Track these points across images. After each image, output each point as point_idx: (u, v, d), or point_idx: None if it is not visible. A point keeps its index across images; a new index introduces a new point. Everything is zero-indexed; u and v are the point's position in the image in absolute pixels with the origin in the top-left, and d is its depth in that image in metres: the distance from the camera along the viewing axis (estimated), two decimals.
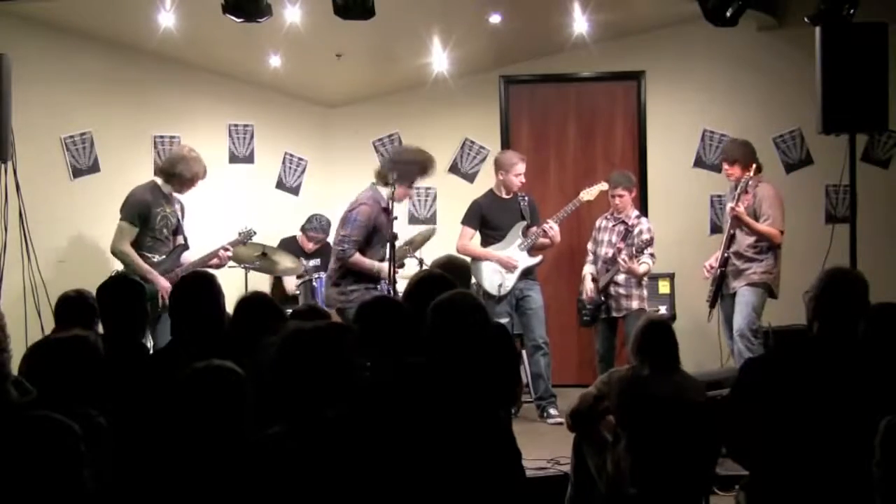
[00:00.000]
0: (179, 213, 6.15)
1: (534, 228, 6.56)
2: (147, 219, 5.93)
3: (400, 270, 6.04)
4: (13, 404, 2.74)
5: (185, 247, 6.15)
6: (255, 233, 6.36)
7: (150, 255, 5.94)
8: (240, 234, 6.32)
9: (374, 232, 6.01)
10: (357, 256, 5.95)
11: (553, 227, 6.47)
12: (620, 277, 6.47)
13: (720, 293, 6.30)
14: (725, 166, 6.33)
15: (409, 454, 2.83)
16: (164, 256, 5.99)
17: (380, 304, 3.69)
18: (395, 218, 5.94)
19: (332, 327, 2.80)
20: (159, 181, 6.11)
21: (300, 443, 2.59)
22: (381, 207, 6.03)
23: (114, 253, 5.94)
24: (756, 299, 6.13)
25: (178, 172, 6.03)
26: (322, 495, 2.55)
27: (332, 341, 2.68)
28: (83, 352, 3.24)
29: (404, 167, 6.02)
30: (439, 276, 3.97)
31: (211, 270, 4.90)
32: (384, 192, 6.04)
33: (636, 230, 6.56)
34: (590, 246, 6.79)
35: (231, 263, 6.44)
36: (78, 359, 3.21)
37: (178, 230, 6.13)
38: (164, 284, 5.80)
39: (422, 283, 3.92)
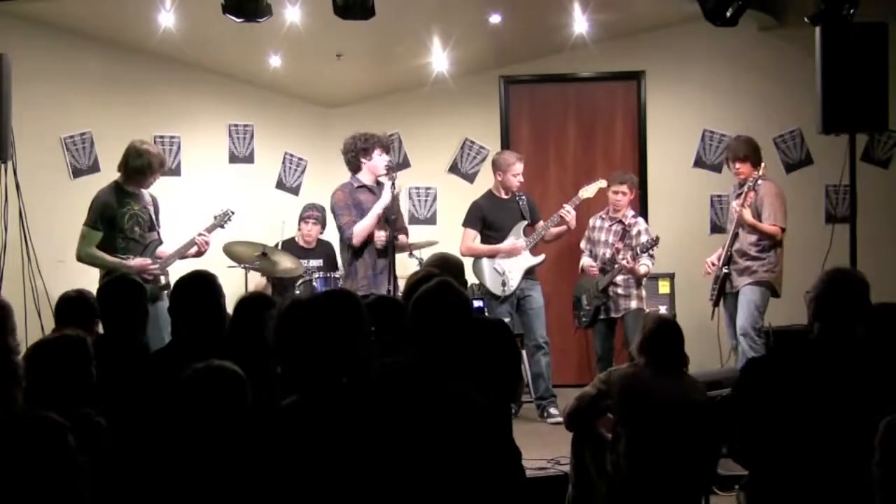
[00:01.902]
0: (151, 209, 5.92)
1: (539, 224, 6.56)
2: (113, 221, 5.73)
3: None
4: (15, 404, 2.75)
5: (159, 242, 5.94)
6: (232, 213, 6.17)
7: (123, 256, 5.74)
8: (215, 217, 6.13)
9: (358, 209, 6.12)
10: (357, 228, 6.06)
11: (571, 211, 6.45)
12: (619, 278, 6.47)
13: (724, 292, 6.30)
14: (737, 165, 6.27)
15: (406, 453, 2.82)
16: (137, 256, 5.81)
17: (381, 304, 3.70)
18: (395, 218, 5.96)
19: (330, 296, 2.79)
20: (121, 181, 5.86)
21: (313, 412, 2.58)
22: (356, 187, 6.20)
23: (79, 259, 5.73)
24: (759, 298, 6.12)
25: (133, 166, 5.79)
26: (333, 470, 2.54)
27: (331, 311, 2.67)
28: (72, 352, 3.24)
29: (360, 143, 6.21)
30: (437, 276, 3.97)
31: (211, 270, 4.87)
32: (363, 175, 6.21)
33: (634, 230, 6.57)
34: (583, 244, 6.81)
35: (230, 263, 6.42)
36: (66, 358, 3.22)
37: (152, 226, 5.92)
38: (138, 264, 5.66)
39: (420, 282, 3.92)
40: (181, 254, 5.91)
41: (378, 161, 6.18)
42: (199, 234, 5.96)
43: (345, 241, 6.18)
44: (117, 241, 5.76)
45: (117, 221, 5.75)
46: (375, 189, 6.21)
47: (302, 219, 7.28)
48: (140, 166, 5.78)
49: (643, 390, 4.04)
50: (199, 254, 5.94)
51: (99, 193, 5.83)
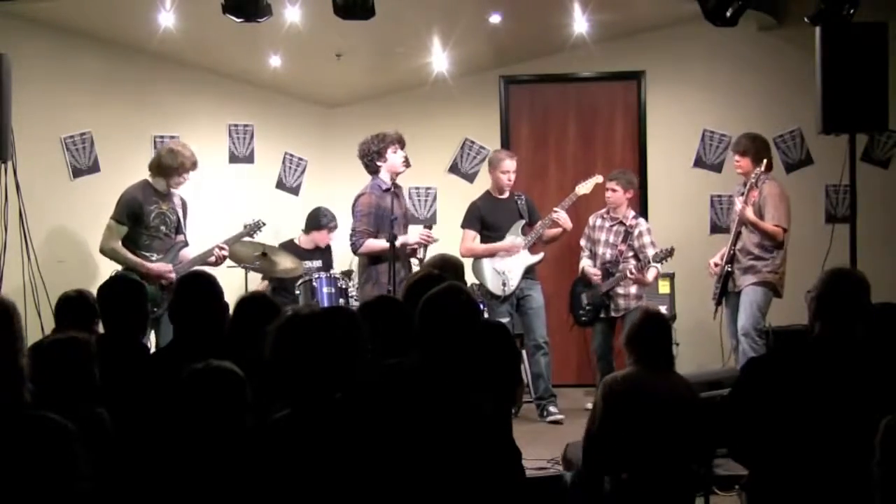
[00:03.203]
0: (180, 211, 6.05)
1: (538, 223, 6.56)
2: (140, 217, 5.84)
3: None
4: (21, 405, 2.74)
5: (185, 244, 6.07)
6: (263, 224, 6.28)
7: (147, 253, 5.86)
8: (245, 226, 6.24)
9: (383, 216, 6.06)
10: (368, 243, 6.05)
11: (562, 215, 6.45)
12: None
13: (726, 291, 6.29)
14: (736, 157, 6.29)
15: (407, 453, 2.82)
16: (161, 255, 5.91)
17: (381, 304, 3.69)
18: (395, 219, 5.96)
19: (331, 312, 2.78)
20: (151, 178, 6.00)
21: (305, 427, 2.57)
22: (384, 190, 6.12)
23: (102, 252, 5.87)
24: (761, 298, 6.12)
25: (164, 164, 5.91)
26: (325, 483, 2.54)
27: (329, 326, 2.66)
28: (79, 353, 3.25)
29: (373, 146, 6.16)
30: (438, 277, 3.97)
31: (210, 270, 4.88)
32: (384, 176, 6.16)
33: (636, 231, 6.58)
34: (583, 242, 6.82)
35: (230, 263, 6.43)
36: (73, 360, 3.22)
37: (179, 228, 6.04)
38: (157, 269, 5.75)
39: (420, 282, 3.92)
40: (199, 262, 5.97)
41: (394, 159, 6.15)
42: (219, 247, 6.03)
43: (350, 245, 6.16)
44: (142, 238, 5.87)
45: (143, 218, 5.85)
46: (398, 191, 6.21)
47: (328, 228, 7.20)
48: (172, 164, 5.90)
49: (637, 392, 3.96)
50: (215, 264, 5.99)
51: (127, 190, 5.94)
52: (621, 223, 6.63)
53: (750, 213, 6.09)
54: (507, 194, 6.63)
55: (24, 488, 2.52)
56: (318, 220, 7.20)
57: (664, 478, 3.92)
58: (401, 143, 6.22)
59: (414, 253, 6.21)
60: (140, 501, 2.84)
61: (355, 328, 2.70)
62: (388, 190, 6.15)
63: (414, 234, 6.22)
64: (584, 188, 6.63)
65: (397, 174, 6.19)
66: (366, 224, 6.06)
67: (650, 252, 6.45)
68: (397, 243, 5.91)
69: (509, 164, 6.56)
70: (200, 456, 2.66)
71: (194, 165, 6.02)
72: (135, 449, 3.05)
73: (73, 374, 3.20)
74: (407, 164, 6.11)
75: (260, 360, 2.78)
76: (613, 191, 6.61)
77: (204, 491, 2.62)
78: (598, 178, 6.65)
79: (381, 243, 6.00)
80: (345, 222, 7.05)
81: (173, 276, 5.80)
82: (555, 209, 6.49)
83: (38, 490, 2.55)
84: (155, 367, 3.73)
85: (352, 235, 6.12)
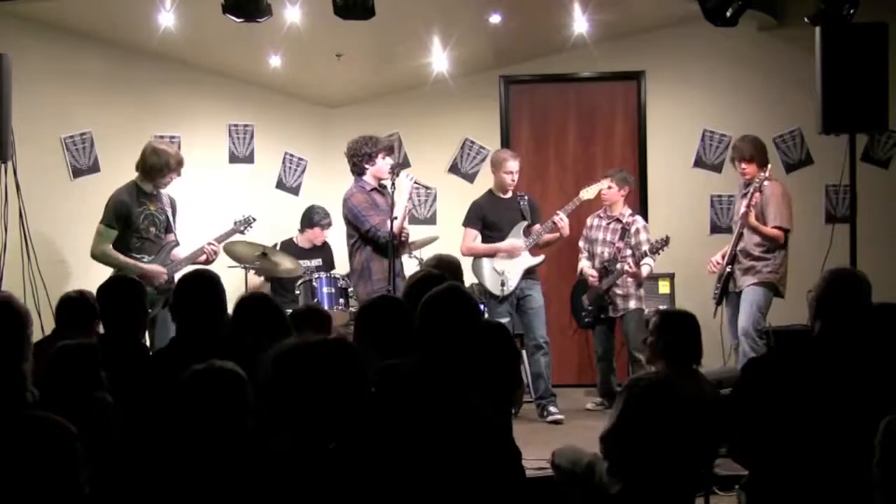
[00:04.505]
0: (169, 210, 5.97)
1: (537, 226, 6.55)
2: (128, 220, 5.76)
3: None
4: (24, 406, 2.75)
5: (175, 244, 5.99)
6: (254, 220, 6.25)
7: (138, 255, 5.78)
8: (235, 223, 6.21)
9: (377, 209, 6.04)
10: (387, 226, 5.91)
11: (563, 219, 6.42)
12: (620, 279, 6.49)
13: (726, 291, 6.29)
14: (742, 165, 6.25)
15: (407, 453, 2.82)
16: (153, 257, 5.85)
17: (381, 304, 3.69)
18: (395, 218, 5.95)
19: (338, 344, 2.67)
20: (138, 180, 5.91)
21: (299, 468, 2.52)
22: (369, 190, 6.12)
23: (94, 257, 5.77)
24: (762, 299, 6.11)
25: (149, 165, 5.83)
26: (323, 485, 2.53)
27: (335, 361, 2.58)
28: (87, 359, 3.28)
29: (365, 147, 6.12)
30: (438, 276, 3.98)
31: (211, 270, 4.87)
32: (368, 178, 6.13)
33: (632, 228, 6.59)
34: (581, 243, 6.82)
35: (230, 263, 6.42)
36: (81, 365, 3.25)
37: (168, 228, 5.97)
38: (150, 270, 5.70)
39: (420, 282, 3.92)
40: (191, 260, 5.93)
41: (382, 165, 6.12)
42: (209, 243, 6.00)
43: (378, 239, 5.97)
44: (132, 241, 5.80)
45: (132, 220, 5.78)
46: (383, 191, 6.16)
47: (320, 225, 7.24)
48: (157, 164, 5.82)
49: (667, 394, 3.86)
50: (207, 262, 5.96)
51: (115, 192, 5.87)
52: (618, 220, 6.64)
53: (752, 218, 6.09)
54: (509, 194, 6.62)
55: (24, 488, 2.53)
56: (311, 217, 7.25)
57: (679, 478, 3.90)
58: (391, 152, 6.24)
59: (404, 244, 6.16)
60: (140, 500, 2.84)
61: (358, 371, 2.60)
62: (373, 189, 6.14)
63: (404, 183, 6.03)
64: (587, 193, 6.60)
65: (380, 181, 6.14)
66: (378, 214, 5.98)
67: (645, 249, 6.45)
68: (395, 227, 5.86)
69: (513, 164, 6.54)
70: (200, 456, 2.66)
71: (180, 164, 5.92)
72: (135, 448, 3.05)
73: (81, 380, 3.22)
74: (391, 172, 6.01)
75: (260, 360, 2.78)
76: (608, 188, 6.62)
77: (203, 491, 2.62)
78: (603, 184, 6.64)
79: (401, 218, 5.91)
80: (342, 221, 7.05)
81: (165, 277, 5.78)
82: (558, 212, 6.47)
83: (39, 490, 2.55)
84: (155, 366, 3.73)
85: (376, 230, 5.94)
